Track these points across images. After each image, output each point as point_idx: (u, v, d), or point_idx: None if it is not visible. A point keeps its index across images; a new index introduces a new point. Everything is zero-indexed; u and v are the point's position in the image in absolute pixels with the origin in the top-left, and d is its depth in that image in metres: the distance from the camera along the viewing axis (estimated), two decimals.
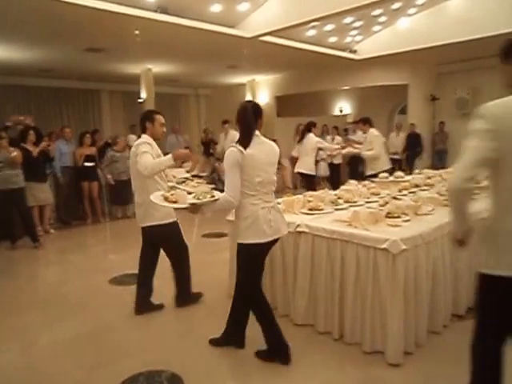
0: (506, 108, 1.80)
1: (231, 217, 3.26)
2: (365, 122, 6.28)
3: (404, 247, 2.66)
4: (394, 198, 3.69)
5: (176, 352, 3.08)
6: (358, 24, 8.44)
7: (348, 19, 7.99)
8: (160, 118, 3.58)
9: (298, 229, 3.21)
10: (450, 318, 3.26)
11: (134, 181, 3.55)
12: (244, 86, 12.97)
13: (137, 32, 6.51)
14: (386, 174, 5.23)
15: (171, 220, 3.56)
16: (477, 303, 1.99)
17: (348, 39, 9.33)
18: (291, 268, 3.32)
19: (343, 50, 9.59)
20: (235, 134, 4.30)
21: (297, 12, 6.86)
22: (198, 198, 2.61)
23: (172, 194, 2.74)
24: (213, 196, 2.64)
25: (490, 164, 1.80)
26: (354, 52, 9.66)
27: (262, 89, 13.05)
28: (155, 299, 3.80)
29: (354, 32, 8.97)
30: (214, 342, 3.09)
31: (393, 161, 10.46)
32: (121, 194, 7.75)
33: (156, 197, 2.85)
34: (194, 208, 2.63)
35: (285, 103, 12.80)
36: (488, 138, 1.76)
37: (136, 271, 3.81)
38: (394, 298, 2.71)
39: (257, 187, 2.64)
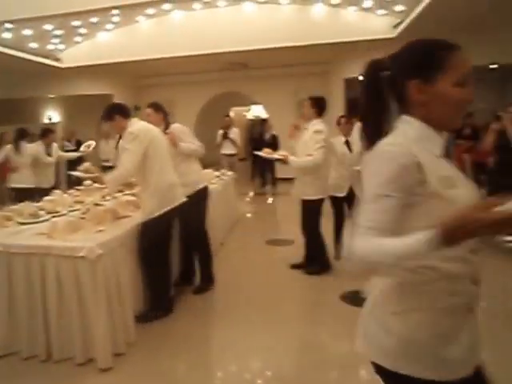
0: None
1: None
2: None
3: (100, 252, 2.74)
4: (97, 204, 3.77)
5: None
6: (59, 32, 8.20)
7: (48, 26, 7.68)
8: None
9: None
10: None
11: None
12: None
13: None
14: (90, 182, 4.99)
15: None
16: None
17: (51, 46, 8.93)
18: None
19: (46, 57, 9.11)
20: None
21: None
22: None
23: None
24: None
25: None
26: (58, 60, 9.33)
27: None
28: None
29: (56, 40, 8.68)
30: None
31: (103, 168, 10.63)
32: None
33: None
34: None
35: None
36: None
37: None
38: (97, 304, 2.75)
39: None
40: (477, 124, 8.15)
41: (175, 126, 3.93)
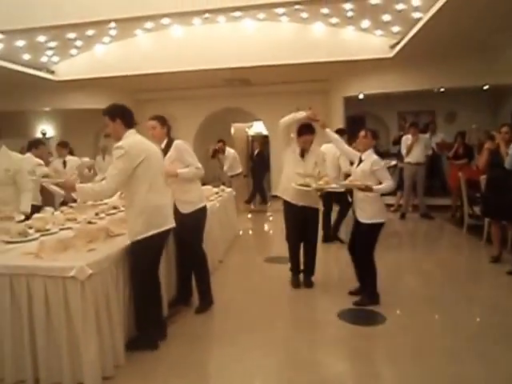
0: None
1: None
2: None
3: (90, 272, 2.62)
4: (90, 222, 3.65)
5: None
6: (53, 44, 8.10)
7: (41, 38, 7.58)
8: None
9: None
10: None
11: None
12: None
13: None
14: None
15: None
16: None
17: (44, 58, 8.81)
18: None
19: (39, 69, 8.98)
20: None
21: None
22: None
23: None
24: None
25: None
26: (52, 73, 9.19)
27: None
28: None
29: (50, 52, 8.56)
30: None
31: None
32: None
33: None
34: None
35: None
36: None
37: None
38: (86, 326, 2.64)
39: None
40: (469, 143, 8.41)
41: (178, 143, 3.77)
